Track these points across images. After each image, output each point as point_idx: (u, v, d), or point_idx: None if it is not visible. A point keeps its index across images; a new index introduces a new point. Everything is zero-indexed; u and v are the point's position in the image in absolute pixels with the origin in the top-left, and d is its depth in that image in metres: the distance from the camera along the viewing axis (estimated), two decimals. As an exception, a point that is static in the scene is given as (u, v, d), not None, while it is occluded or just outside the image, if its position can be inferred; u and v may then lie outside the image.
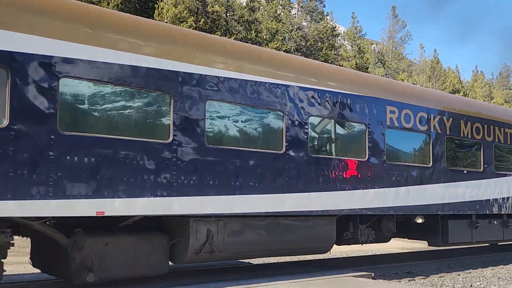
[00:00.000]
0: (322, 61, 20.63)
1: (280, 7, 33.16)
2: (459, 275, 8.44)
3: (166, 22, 18.77)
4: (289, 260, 9.61)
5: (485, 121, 9.91)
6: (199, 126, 5.38)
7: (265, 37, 29.37)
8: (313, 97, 6.66)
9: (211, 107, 5.61)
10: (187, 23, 22.32)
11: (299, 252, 7.47)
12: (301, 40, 31.76)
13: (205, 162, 5.40)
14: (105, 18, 5.18)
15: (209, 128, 5.57)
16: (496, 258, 10.91)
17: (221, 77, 5.64)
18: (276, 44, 27.93)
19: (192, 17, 24.08)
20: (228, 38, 18.64)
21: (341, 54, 35.80)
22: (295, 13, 35.90)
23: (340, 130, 7.35)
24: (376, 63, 44.39)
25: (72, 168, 4.38)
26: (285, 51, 25.91)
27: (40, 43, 4.25)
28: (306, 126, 6.53)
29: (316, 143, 6.93)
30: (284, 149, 6.19)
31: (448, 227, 9.02)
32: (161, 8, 23.46)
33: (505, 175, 10.26)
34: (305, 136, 6.50)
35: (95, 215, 4.54)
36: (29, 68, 4.18)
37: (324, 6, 36.40)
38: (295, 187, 6.25)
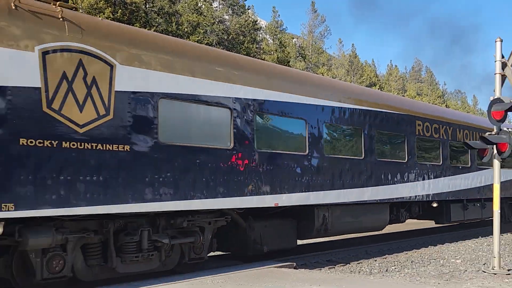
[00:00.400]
0: (244, 54, 20.68)
1: (201, 1, 32.43)
2: (375, 260, 8.69)
3: (82, 12, 17.04)
4: (213, 255, 8.00)
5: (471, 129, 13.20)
6: (320, 143, 7.65)
7: (186, 30, 28.78)
8: None
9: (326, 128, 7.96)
10: (104, 14, 21.85)
11: (370, 229, 9.82)
12: (223, 33, 31.49)
13: (324, 167, 7.67)
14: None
15: (325, 143, 7.88)
16: (409, 243, 11.51)
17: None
18: (198, 37, 27.48)
19: (110, 8, 23.82)
20: (148, 30, 17.78)
21: (263, 47, 36.72)
22: (217, 6, 35.50)
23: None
24: (297, 57, 44.84)
25: (263, 175, 6.44)
26: (207, 44, 24.94)
27: (249, 91, 6.25)
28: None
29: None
30: (363, 155, 8.62)
31: (450, 209, 12.07)
32: None
33: (482, 169, 13.59)
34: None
35: (273, 205, 6.62)
36: (241, 108, 6.16)
37: (246, 0, 36.42)
38: (370, 182, 8.72)
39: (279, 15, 42.98)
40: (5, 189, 3.95)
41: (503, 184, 8.06)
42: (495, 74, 6.83)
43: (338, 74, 46.08)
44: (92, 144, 4.55)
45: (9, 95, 4.02)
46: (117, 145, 4.76)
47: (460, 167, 12.54)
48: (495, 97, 6.73)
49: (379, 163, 9.15)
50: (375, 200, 8.98)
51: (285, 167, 6.91)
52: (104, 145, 4.64)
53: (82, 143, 4.47)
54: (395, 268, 7.75)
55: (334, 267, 7.83)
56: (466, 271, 7.07)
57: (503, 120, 6.75)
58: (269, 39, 41.12)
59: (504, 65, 6.72)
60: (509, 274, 6.65)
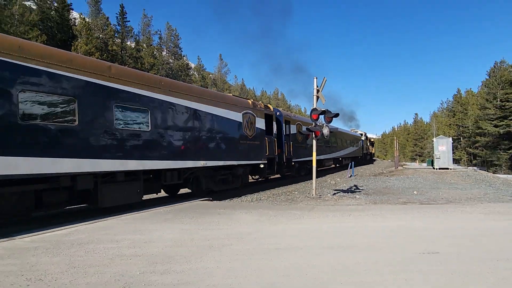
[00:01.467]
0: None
1: (155, 50, 55.61)
2: (253, 195, 16.47)
3: (80, 54, 26.50)
4: (162, 196, 12.33)
5: None
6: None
7: (146, 67, 46.67)
8: None
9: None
10: (94, 56, 35.73)
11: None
12: (168, 70, 53.56)
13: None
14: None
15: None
16: (272, 185, 19.08)
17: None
18: (153, 72, 45.14)
19: (98, 52, 38.57)
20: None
21: (193, 79, 62.52)
22: (165, 54, 59.03)
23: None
24: (212, 85, 72.91)
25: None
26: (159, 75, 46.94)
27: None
28: None
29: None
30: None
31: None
32: (76, 46, 36.95)
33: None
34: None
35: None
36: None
37: (182, 51, 62.35)
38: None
39: (201, 61, 79.77)
40: None
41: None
42: (313, 95, 12.60)
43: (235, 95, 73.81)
44: None
45: None
46: None
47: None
48: (313, 107, 12.51)
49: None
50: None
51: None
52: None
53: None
54: (264, 199, 12.47)
55: (231, 200, 12.06)
56: (300, 197, 12.75)
57: (317, 119, 12.57)
58: (196, 74, 69.23)
59: (317, 91, 12.53)
60: (320, 197, 12.58)
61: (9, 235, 5.93)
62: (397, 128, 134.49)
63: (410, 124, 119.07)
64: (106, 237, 5.70)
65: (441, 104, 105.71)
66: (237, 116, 13.18)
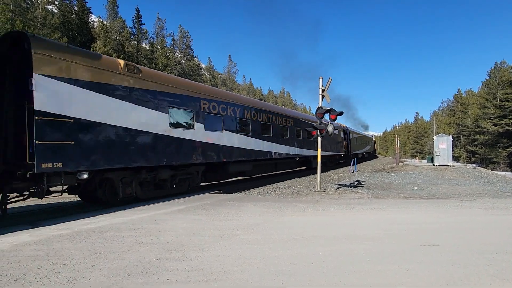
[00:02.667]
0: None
1: (168, 51, 56.24)
2: (261, 189, 16.90)
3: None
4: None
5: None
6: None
7: (160, 67, 47.15)
8: None
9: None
10: (112, 56, 34.66)
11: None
12: (180, 70, 54.12)
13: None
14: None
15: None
16: (278, 179, 19.22)
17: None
18: (167, 72, 43.71)
19: (115, 53, 39.91)
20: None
21: (203, 79, 62.68)
22: (178, 55, 60.07)
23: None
24: (221, 85, 73.92)
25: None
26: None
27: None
28: None
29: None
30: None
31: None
32: (95, 47, 37.85)
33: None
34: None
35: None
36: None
37: (193, 52, 62.51)
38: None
39: (212, 61, 79.70)
40: None
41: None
42: (319, 94, 12.52)
43: (243, 94, 72.10)
44: None
45: None
46: None
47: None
48: (318, 106, 12.43)
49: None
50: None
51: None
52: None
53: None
54: (271, 192, 12.49)
55: (240, 192, 12.11)
56: (305, 191, 12.73)
57: (322, 117, 12.48)
58: (206, 74, 69.52)
59: (323, 91, 12.43)
60: (324, 191, 12.54)
61: (36, 223, 6.07)
62: (398, 126, 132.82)
63: (411, 122, 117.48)
64: (125, 226, 5.80)
65: (442, 103, 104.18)
66: (340, 132, 28.22)
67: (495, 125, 54.76)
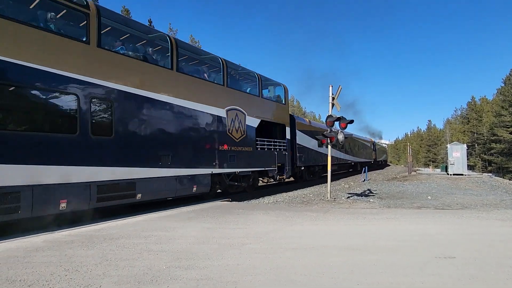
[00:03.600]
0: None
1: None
2: (270, 197, 15.71)
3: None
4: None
5: None
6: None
7: None
8: None
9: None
10: None
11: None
12: None
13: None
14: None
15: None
16: (285, 188, 19.83)
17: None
18: None
19: None
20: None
21: None
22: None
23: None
24: None
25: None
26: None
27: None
28: None
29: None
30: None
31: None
32: None
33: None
34: None
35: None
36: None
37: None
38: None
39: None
40: None
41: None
42: (329, 102, 12.47)
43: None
44: None
45: None
46: None
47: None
48: (328, 114, 12.37)
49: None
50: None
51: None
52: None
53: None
54: (280, 200, 12.46)
55: (249, 201, 12.09)
56: (315, 200, 12.58)
57: (332, 126, 12.40)
58: None
59: (333, 99, 12.38)
60: (334, 200, 12.37)
61: (48, 229, 6.18)
62: (410, 134, 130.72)
63: (423, 130, 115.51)
64: (135, 233, 5.84)
65: (455, 111, 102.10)
66: (370, 145, 40.26)
67: (511, 133, 53.26)
